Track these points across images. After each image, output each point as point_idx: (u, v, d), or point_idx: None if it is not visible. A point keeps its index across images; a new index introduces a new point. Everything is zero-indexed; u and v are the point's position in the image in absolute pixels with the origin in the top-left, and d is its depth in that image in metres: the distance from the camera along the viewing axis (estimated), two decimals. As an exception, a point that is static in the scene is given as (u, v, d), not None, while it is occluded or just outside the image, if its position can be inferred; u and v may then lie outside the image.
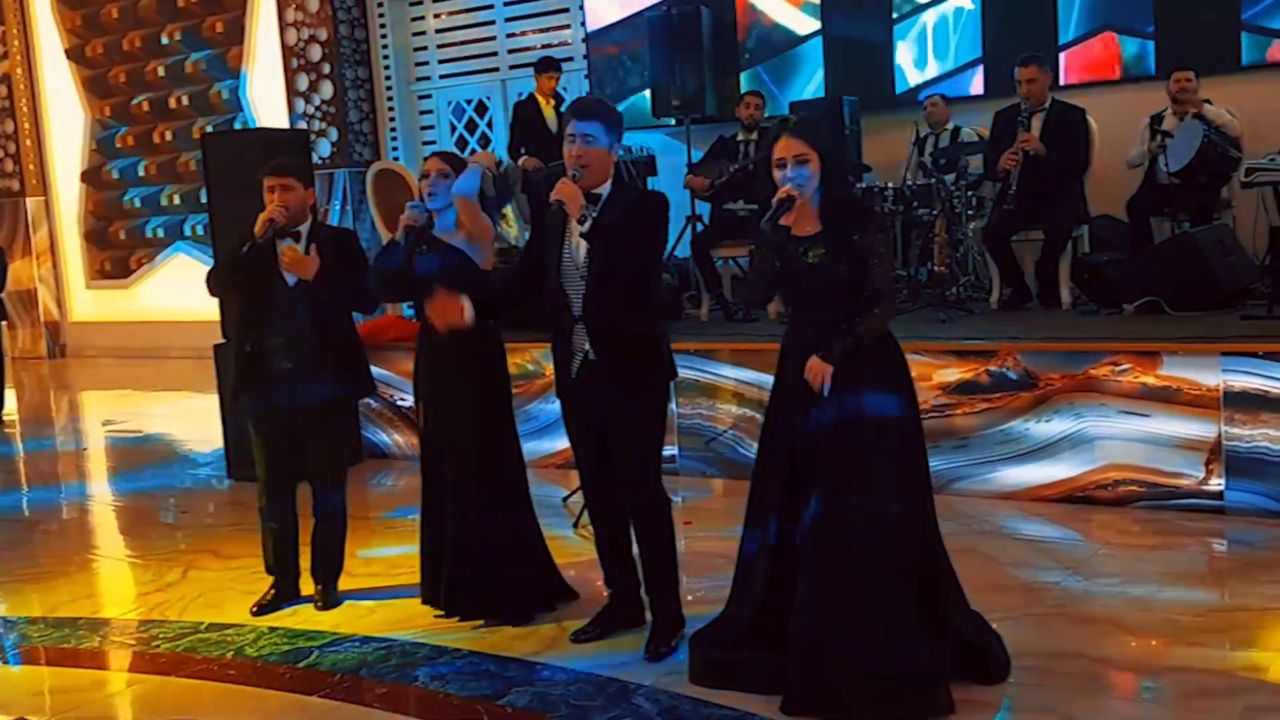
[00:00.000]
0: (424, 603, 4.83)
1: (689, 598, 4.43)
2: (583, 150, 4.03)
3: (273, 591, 5.02)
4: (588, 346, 4.12)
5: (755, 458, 4.00)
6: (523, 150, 9.06)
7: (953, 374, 5.99)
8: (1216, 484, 5.41)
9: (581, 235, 3.99)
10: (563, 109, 9.69)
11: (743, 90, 9.10)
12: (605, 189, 4.11)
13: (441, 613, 4.74)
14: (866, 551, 3.64)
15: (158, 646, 4.71)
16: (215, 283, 4.95)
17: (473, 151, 11.79)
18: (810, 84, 9.57)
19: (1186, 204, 7.36)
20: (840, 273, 3.68)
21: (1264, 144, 6.86)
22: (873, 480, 3.66)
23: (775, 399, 3.91)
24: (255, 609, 4.95)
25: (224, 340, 6.90)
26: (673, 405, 6.47)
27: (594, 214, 3.95)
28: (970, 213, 7.92)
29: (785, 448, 3.80)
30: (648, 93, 9.82)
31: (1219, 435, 5.39)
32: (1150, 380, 5.54)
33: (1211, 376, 5.40)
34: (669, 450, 6.60)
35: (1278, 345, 5.36)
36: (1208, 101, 7.44)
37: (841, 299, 3.70)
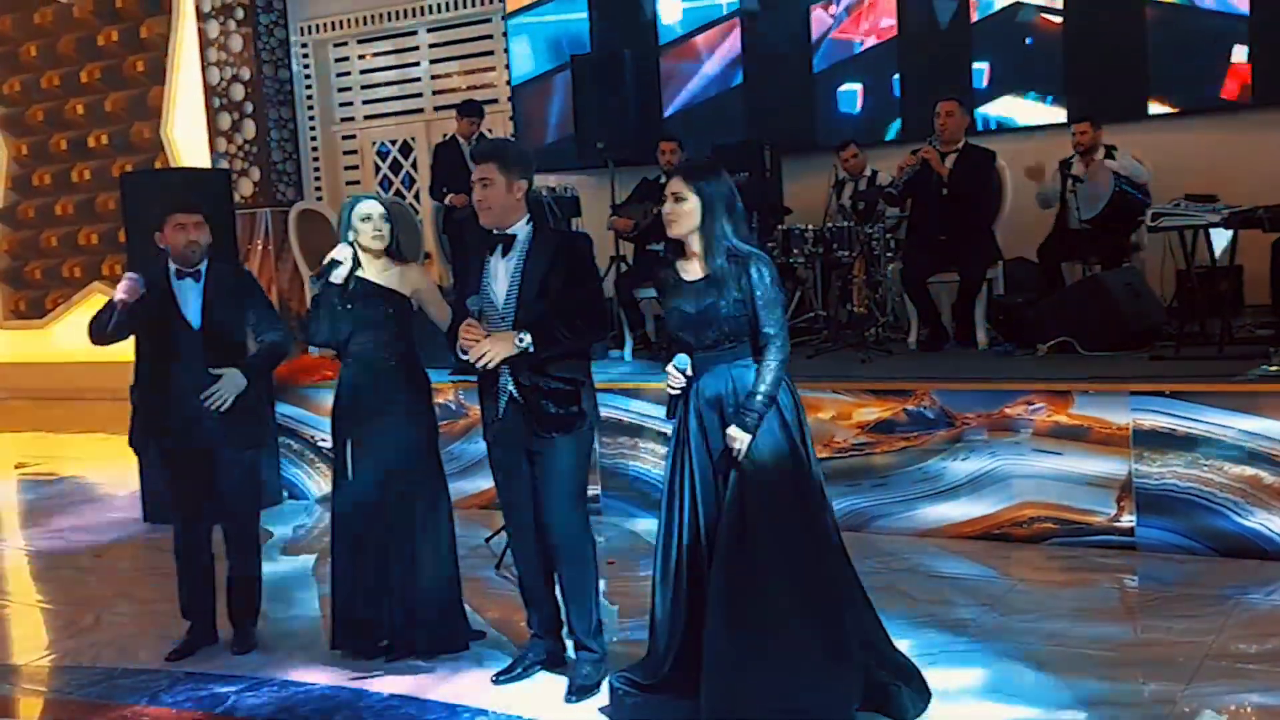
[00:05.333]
0: (334, 647, 4.75)
1: (613, 639, 4.43)
2: (481, 194, 4.13)
3: (188, 636, 4.94)
4: (511, 388, 4.14)
5: (663, 500, 3.94)
6: (444, 190, 9.08)
7: (871, 413, 6.08)
8: (1128, 520, 5.53)
9: (519, 343, 4.02)
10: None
11: (663, 135, 9.16)
12: (522, 230, 4.16)
13: (360, 656, 4.68)
14: (770, 592, 3.65)
15: (70, 694, 4.61)
16: (97, 333, 4.75)
17: (396, 192, 11.78)
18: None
19: (1097, 248, 7.56)
20: (726, 318, 3.72)
21: (1173, 190, 7.06)
22: (772, 520, 3.68)
23: (675, 442, 3.90)
24: (171, 654, 4.86)
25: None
26: (596, 445, 6.47)
27: (524, 344, 4.00)
28: (889, 255, 8.06)
29: (689, 489, 3.82)
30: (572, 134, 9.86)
31: (1129, 473, 5.51)
32: (1063, 419, 5.66)
33: (1121, 415, 5.53)
34: (592, 490, 6.60)
35: (1184, 385, 5.51)
36: (1113, 148, 7.65)
37: (726, 342, 3.75)
